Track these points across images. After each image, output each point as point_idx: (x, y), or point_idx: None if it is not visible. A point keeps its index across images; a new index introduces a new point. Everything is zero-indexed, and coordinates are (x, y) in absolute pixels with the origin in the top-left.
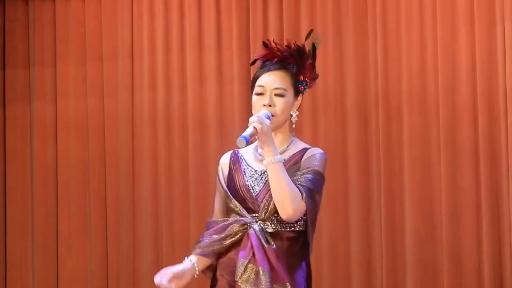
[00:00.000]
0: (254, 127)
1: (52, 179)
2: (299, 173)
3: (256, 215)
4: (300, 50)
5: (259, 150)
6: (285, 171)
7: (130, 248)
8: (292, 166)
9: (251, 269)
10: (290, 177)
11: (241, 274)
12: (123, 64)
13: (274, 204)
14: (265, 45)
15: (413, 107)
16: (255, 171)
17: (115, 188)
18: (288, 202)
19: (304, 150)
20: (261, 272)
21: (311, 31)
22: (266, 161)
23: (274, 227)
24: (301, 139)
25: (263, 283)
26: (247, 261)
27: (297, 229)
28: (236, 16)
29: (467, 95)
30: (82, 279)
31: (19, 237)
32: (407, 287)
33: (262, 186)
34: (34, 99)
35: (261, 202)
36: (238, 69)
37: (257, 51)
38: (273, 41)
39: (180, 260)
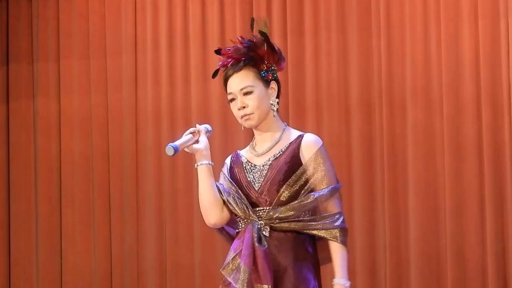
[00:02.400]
0: (191, 133)
1: (56, 175)
2: (316, 188)
3: (261, 208)
4: (248, 43)
5: (256, 146)
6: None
7: (134, 243)
8: (292, 153)
9: (236, 262)
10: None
11: (227, 264)
12: (127, 59)
13: (282, 194)
14: (217, 52)
15: (417, 101)
16: (255, 165)
17: (119, 183)
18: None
19: (300, 137)
20: (242, 268)
21: (252, 19)
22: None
23: (277, 225)
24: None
25: (240, 279)
26: (236, 253)
27: (304, 218)
28: (240, 12)
29: (471, 90)
30: (86, 274)
31: (23, 232)
32: (411, 282)
33: (263, 180)
34: (37, 95)
35: (265, 195)
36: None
37: None
38: (222, 48)
39: (184, 255)
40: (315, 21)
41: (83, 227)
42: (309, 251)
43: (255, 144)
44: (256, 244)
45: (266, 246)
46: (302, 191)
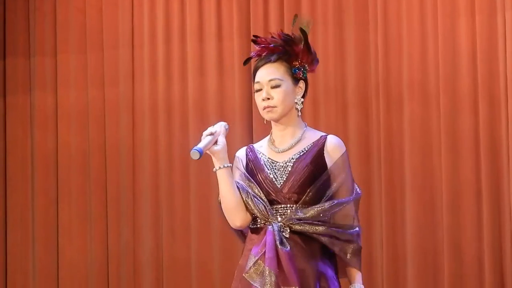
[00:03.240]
0: (212, 133)
1: (52, 169)
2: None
3: (281, 206)
4: (286, 37)
5: (275, 142)
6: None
7: (131, 238)
8: (317, 153)
9: (258, 266)
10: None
11: (249, 268)
12: (124, 54)
13: (308, 194)
14: (254, 41)
15: (414, 96)
16: (276, 162)
17: (116, 178)
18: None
19: (323, 138)
20: (267, 272)
21: (296, 16)
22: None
23: (298, 227)
24: None
25: (267, 283)
26: (257, 257)
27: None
28: (237, 6)
29: (468, 85)
30: (83, 268)
31: (20, 227)
32: (408, 276)
33: (286, 177)
34: (34, 89)
35: (287, 193)
36: (238, 60)
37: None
38: (260, 37)
39: (181, 250)
40: (312, 15)
41: (79, 221)
42: (328, 254)
43: (274, 140)
44: (279, 246)
45: (289, 247)
46: (325, 195)
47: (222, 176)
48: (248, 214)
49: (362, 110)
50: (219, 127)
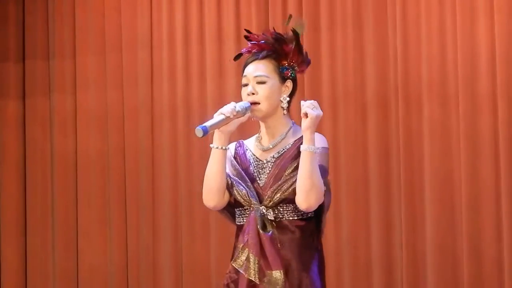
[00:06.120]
0: (223, 114)
1: (72, 171)
2: None
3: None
4: (277, 36)
5: (262, 140)
6: (317, 162)
7: (150, 240)
8: (296, 152)
9: (245, 254)
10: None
11: (236, 257)
12: (143, 56)
13: (279, 196)
14: (246, 37)
15: (433, 97)
16: (259, 160)
17: (135, 180)
18: (313, 193)
19: None
20: (251, 258)
21: (290, 16)
22: (303, 147)
23: (281, 216)
24: (321, 131)
25: (251, 268)
26: (243, 243)
27: (306, 217)
28: (256, 8)
29: (487, 85)
30: (102, 270)
31: (39, 229)
32: (428, 278)
33: (266, 176)
34: (53, 91)
35: (267, 191)
36: None
37: None
38: (253, 33)
39: (200, 252)
40: (331, 16)
41: (99, 224)
42: (315, 247)
43: (261, 138)
44: (261, 231)
45: (271, 231)
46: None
47: (217, 156)
48: (224, 199)
49: (381, 111)
50: (234, 108)
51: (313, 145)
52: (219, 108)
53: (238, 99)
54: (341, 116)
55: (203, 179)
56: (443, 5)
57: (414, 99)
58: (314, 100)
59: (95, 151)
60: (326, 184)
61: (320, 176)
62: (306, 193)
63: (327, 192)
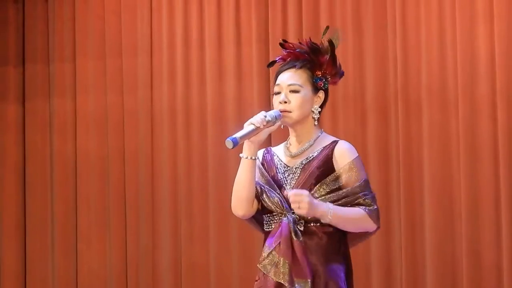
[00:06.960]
0: (253, 124)
1: (71, 175)
2: (353, 191)
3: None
4: (313, 46)
5: (291, 146)
6: (343, 211)
7: (150, 244)
8: (325, 158)
9: (273, 257)
10: (346, 196)
11: (263, 259)
12: (143, 59)
13: (314, 195)
14: (281, 45)
15: (433, 102)
16: (287, 166)
17: (135, 184)
18: (362, 227)
19: (334, 143)
20: (281, 263)
21: (327, 27)
22: (328, 214)
23: (309, 222)
24: None
25: (281, 274)
26: (272, 248)
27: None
28: (255, 12)
29: (487, 90)
30: (102, 274)
31: (39, 233)
32: (427, 282)
33: (295, 182)
34: (53, 95)
35: None
36: (257, 65)
37: (276, 46)
38: (288, 42)
39: (200, 255)
40: (331, 20)
41: (98, 227)
42: (342, 254)
43: (290, 145)
44: (294, 238)
45: (302, 239)
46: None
47: (247, 166)
48: (253, 208)
49: (381, 116)
50: (259, 118)
51: (328, 213)
52: (219, 113)
53: (237, 103)
54: (340, 121)
55: (232, 188)
56: (443, 10)
57: (413, 103)
58: None
59: (95, 154)
60: (371, 196)
61: (355, 214)
62: (360, 230)
63: (373, 200)
